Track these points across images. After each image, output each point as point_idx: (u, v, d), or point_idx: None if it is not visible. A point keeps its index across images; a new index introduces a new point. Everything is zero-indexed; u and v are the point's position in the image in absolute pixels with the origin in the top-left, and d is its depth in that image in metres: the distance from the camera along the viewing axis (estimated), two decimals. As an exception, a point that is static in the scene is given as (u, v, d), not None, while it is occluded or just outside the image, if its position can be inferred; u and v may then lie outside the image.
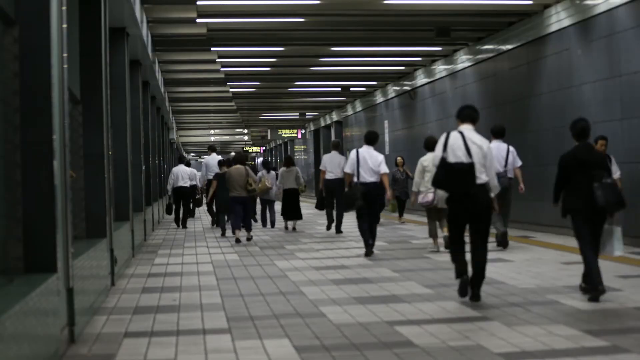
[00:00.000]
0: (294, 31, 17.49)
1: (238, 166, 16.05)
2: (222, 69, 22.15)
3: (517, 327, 6.63)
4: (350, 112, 33.72)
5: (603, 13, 13.26)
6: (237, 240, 15.60)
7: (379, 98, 28.31)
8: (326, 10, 15.37)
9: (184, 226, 20.97)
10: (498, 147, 12.14)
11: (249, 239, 15.75)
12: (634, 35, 12.48)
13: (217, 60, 20.31)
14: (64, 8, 6.76)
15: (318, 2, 14.54)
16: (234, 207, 15.81)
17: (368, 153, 12.25)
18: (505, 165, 12.38)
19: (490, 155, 8.10)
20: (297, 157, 49.21)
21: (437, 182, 8.14)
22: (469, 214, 7.98)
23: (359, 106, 31.80)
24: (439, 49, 20.10)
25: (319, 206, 17.31)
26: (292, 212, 18.32)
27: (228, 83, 25.52)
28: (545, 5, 15.03)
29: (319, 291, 9.01)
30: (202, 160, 21.75)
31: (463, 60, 19.80)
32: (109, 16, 11.05)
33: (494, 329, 6.63)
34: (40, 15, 6.17)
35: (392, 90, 26.62)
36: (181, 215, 21.29)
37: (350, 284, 9.51)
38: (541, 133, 15.78)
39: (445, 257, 11.88)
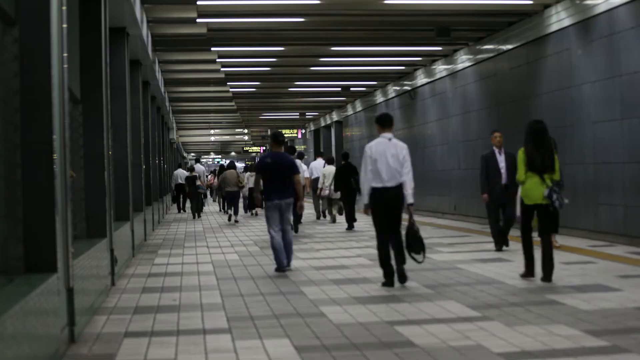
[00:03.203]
0: (294, 31, 17.49)
1: (231, 170, 24.12)
2: (222, 69, 22.15)
3: (517, 327, 6.63)
4: (350, 112, 33.73)
5: (603, 13, 13.26)
6: (229, 218, 23.51)
7: (379, 98, 28.32)
8: (326, 10, 15.37)
9: (184, 210, 30.55)
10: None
11: (236, 220, 22.89)
12: (634, 35, 12.48)
13: (217, 60, 20.32)
14: (64, 8, 6.76)
15: (318, 2, 14.54)
16: (228, 198, 23.98)
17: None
18: None
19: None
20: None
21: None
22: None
23: (359, 106, 31.81)
24: (439, 49, 20.10)
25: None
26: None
27: (228, 83, 25.53)
28: (545, 5, 15.03)
29: (319, 291, 9.02)
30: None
31: (463, 60, 19.80)
32: (109, 16, 11.06)
33: (494, 329, 6.64)
34: (40, 15, 6.17)
35: (392, 90, 26.63)
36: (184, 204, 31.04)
37: (350, 283, 9.52)
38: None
39: (445, 257, 11.90)
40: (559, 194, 9.16)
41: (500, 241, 12.47)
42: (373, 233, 17.06)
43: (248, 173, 26.60)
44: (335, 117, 37.05)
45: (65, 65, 6.69)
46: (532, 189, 9.19)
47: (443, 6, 15.35)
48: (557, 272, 9.77)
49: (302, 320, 7.29)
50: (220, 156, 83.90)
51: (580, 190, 14.21)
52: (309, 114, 39.34)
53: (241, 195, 24.89)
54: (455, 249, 13.05)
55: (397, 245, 9.21)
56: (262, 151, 70.77)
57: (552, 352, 5.76)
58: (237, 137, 52.99)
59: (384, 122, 9.48)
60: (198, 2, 14.11)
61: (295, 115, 39.06)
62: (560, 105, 14.92)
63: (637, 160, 12.58)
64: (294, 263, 11.74)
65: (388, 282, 9.18)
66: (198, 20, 15.35)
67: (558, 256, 11.11)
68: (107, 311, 8.23)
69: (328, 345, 6.23)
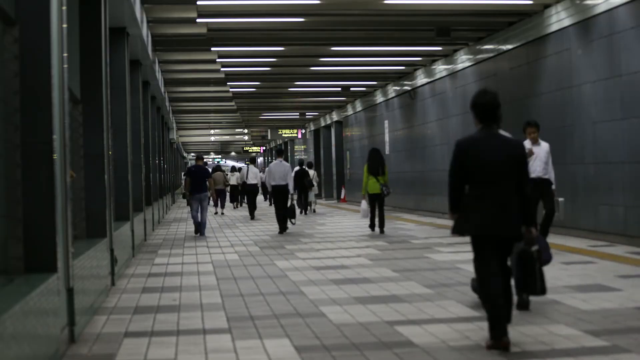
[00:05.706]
0: (294, 31, 17.49)
1: (218, 172, 29.39)
2: (222, 69, 22.15)
3: (517, 327, 6.63)
4: (350, 112, 33.74)
5: (603, 13, 13.26)
6: (216, 212, 28.09)
7: (379, 98, 28.32)
8: (326, 10, 15.37)
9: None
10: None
11: (222, 213, 28.04)
12: (634, 35, 12.49)
13: (217, 60, 20.31)
14: (64, 8, 6.76)
15: (318, 2, 14.54)
16: (218, 195, 27.66)
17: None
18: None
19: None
20: (297, 156, 49.24)
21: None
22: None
23: (359, 106, 31.81)
24: (439, 49, 20.11)
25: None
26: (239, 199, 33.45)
27: (228, 83, 25.53)
28: (545, 5, 15.03)
29: (319, 291, 9.02)
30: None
31: (463, 60, 19.81)
32: (109, 16, 11.05)
33: (494, 328, 6.62)
34: (40, 15, 6.17)
35: (392, 90, 26.63)
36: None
37: (350, 283, 9.52)
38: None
39: (445, 257, 11.90)
40: (386, 187, 16.33)
41: None
42: (372, 234, 17.18)
43: (230, 173, 32.20)
44: (335, 117, 37.06)
45: (65, 65, 6.69)
46: (372, 185, 16.39)
47: (443, 6, 15.35)
48: (557, 272, 9.76)
49: (302, 320, 7.30)
50: (220, 156, 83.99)
51: (580, 190, 14.22)
52: (309, 114, 39.34)
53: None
54: (455, 249, 13.05)
55: (288, 214, 17.90)
56: (262, 151, 71.09)
57: (552, 352, 5.76)
58: (237, 137, 53.02)
59: (278, 152, 18.83)
60: (198, 2, 14.11)
61: (295, 115, 39.06)
62: (560, 105, 14.93)
63: (637, 160, 12.58)
64: (294, 263, 11.80)
65: (282, 230, 17.73)
66: (198, 20, 15.35)
67: (558, 256, 11.11)
68: (107, 311, 8.23)
69: (328, 345, 6.23)
